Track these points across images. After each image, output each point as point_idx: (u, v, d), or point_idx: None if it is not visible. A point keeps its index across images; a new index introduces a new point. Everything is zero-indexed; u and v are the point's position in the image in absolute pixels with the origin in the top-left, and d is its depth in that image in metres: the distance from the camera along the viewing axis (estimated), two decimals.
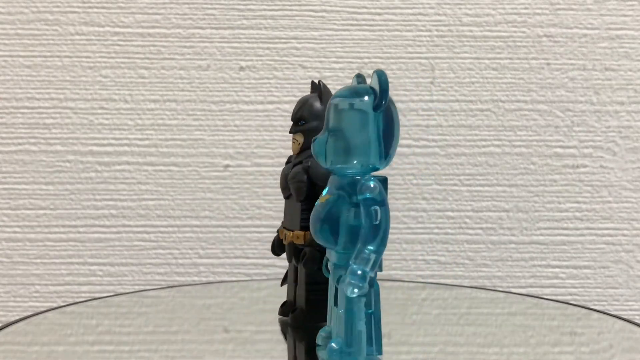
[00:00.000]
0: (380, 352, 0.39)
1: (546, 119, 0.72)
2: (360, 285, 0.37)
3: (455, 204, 0.72)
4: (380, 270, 0.39)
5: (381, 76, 0.39)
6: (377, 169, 0.40)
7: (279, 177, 0.50)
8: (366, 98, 0.39)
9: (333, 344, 0.39)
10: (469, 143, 0.72)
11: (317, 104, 0.47)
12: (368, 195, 0.38)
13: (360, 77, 0.42)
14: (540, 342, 0.50)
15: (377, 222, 0.38)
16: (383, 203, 0.38)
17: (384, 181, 0.39)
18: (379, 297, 0.39)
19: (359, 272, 0.37)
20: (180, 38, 0.71)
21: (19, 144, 0.71)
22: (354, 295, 0.38)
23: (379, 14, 0.71)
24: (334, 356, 0.39)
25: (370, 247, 0.38)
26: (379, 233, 0.38)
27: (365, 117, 0.39)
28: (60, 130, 0.71)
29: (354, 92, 0.40)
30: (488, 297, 0.63)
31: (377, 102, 0.39)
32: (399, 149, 0.40)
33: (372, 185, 0.38)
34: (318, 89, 0.48)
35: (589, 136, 0.72)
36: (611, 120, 0.72)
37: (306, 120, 0.47)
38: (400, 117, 0.41)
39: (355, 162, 0.39)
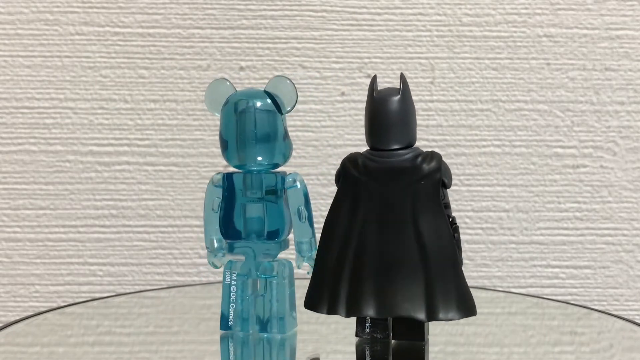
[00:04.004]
0: (228, 328, 0.47)
1: (546, 119, 0.72)
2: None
3: (455, 204, 0.72)
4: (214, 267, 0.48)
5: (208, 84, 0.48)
6: (275, 165, 0.47)
7: None
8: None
9: None
10: (469, 143, 0.72)
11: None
12: None
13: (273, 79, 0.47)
14: (541, 342, 0.50)
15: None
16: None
17: (229, 175, 0.47)
18: (234, 286, 0.47)
19: None
20: (180, 38, 0.71)
21: (19, 144, 0.71)
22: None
23: (379, 14, 0.71)
24: None
25: None
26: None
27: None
28: (60, 130, 0.71)
29: None
30: (488, 297, 0.63)
31: None
32: None
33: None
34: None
35: (589, 136, 0.72)
36: (611, 120, 0.72)
37: None
38: None
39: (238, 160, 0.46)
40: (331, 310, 0.44)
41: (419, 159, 0.43)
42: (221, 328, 0.47)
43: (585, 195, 0.72)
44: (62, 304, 0.68)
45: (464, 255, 0.72)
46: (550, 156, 0.72)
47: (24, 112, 0.71)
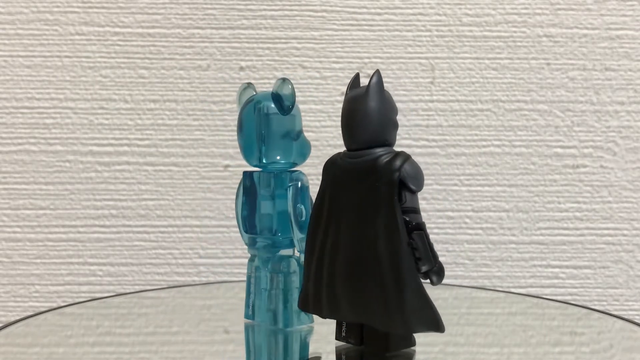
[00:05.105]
0: (249, 317, 0.50)
1: (546, 119, 0.72)
2: None
3: (455, 204, 0.72)
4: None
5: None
6: (292, 164, 0.48)
7: None
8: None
9: None
10: (469, 143, 0.72)
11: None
12: None
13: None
14: (541, 342, 0.50)
15: None
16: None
17: (249, 174, 0.49)
18: (253, 278, 0.49)
19: None
20: (180, 38, 0.71)
21: (19, 144, 0.71)
22: None
23: (379, 14, 0.71)
24: None
25: None
26: None
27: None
28: (60, 130, 0.71)
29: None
30: (488, 297, 0.63)
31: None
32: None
33: None
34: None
35: (589, 136, 0.72)
36: (611, 120, 0.72)
37: None
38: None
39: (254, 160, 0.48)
40: (316, 311, 0.44)
41: (382, 158, 0.40)
42: (244, 317, 0.50)
43: (585, 195, 0.72)
44: (62, 304, 0.68)
45: (463, 255, 0.72)
46: (550, 156, 0.72)
47: (24, 112, 0.71)
